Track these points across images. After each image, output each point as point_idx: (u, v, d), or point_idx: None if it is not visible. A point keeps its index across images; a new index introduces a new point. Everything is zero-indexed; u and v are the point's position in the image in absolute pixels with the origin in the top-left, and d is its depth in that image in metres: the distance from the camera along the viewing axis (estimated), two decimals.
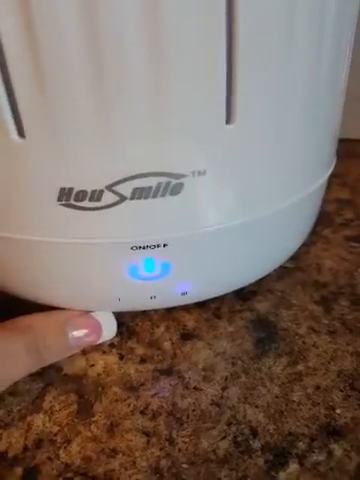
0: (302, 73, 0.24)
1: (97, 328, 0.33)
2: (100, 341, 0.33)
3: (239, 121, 0.24)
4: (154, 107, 0.22)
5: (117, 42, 0.20)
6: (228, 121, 0.23)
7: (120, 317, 0.35)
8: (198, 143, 0.24)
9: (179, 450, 0.27)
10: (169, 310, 0.36)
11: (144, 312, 0.36)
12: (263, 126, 0.25)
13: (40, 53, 0.20)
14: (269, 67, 0.23)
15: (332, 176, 0.34)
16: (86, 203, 0.24)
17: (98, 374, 0.32)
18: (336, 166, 0.35)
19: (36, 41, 0.20)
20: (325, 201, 0.37)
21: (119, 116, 0.22)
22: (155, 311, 0.37)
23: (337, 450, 0.26)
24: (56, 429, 0.28)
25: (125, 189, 0.24)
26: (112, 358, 0.33)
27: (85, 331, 0.32)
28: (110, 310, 0.33)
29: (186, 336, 0.34)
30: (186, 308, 0.36)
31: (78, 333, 0.32)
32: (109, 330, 0.34)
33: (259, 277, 0.36)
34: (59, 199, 0.24)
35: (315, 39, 0.24)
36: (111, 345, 0.34)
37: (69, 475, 0.26)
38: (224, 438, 0.27)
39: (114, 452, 0.27)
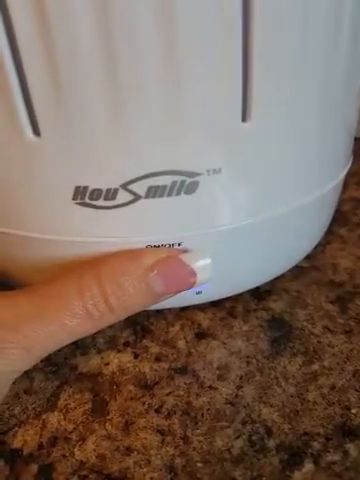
0: (318, 71, 0.24)
1: (190, 272, 0.27)
2: (196, 286, 0.28)
3: (255, 119, 0.23)
4: (169, 105, 0.22)
5: (132, 39, 0.20)
6: (244, 119, 0.23)
7: (134, 316, 0.35)
8: (214, 141, 0.24)
9: (194, 449, 0.27)
10: (183, 309, 0.36)
11: (158, 311, 0.36)
12: (279, 124, 0.25)
13: (55, 51, 0.20)
14: (285, 65, 0.23)
15: (348, 175, 0.34)
16: (101, 202, 0.25)
17: (113, 372, 0.32)
18: (352, 165, 0.35)
19: (51, 38, 0.20)
20: (341, 200, 0.37)
21: (134, 114, 0.22)
22: (169, 310, 0.36)
23: (353, 450, 0.26)
24: (71, 427, 0.28)
25: (140, 188, 0.24)
26: (127, 357, 0.33)
27: (175, 277, 0.27)
28: None
29: (201, 335, 0.34)
30: (200, 307, 0.36)
31: (166, 280, 0.26)
32: (204, 273, 0.28)
33: (274, 276, 0.36)
34: (74, 198, 0.24)
35: (331, 36, 0.23)
36: (126, 344, 0.34)
37: (84, 473, 0.26)
38: (239, 437, 0.27)
39: (129, 450, 0.27)
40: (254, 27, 0.21)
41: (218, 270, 0.30)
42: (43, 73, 0.21)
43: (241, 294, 0.37)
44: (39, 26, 0.19)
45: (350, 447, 0.26)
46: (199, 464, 0.26)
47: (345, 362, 0.31)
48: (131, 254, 0.27)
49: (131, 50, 0.20)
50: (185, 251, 0.28)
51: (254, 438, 0.27)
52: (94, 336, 0.34)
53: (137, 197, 0.24)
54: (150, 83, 0.21)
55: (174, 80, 0.21)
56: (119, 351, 0.33)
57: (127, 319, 0.34)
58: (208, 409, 0.29)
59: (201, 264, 0.28)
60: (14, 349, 0.24)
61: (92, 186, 0.24)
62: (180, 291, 0.28)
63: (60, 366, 0.32)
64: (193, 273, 0.27)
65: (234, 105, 0.23)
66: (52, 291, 0.26)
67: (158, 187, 0.24)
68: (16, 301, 0.25)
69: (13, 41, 0.20)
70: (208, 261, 0.28)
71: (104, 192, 0.24)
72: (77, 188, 0.24)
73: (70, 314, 0.25)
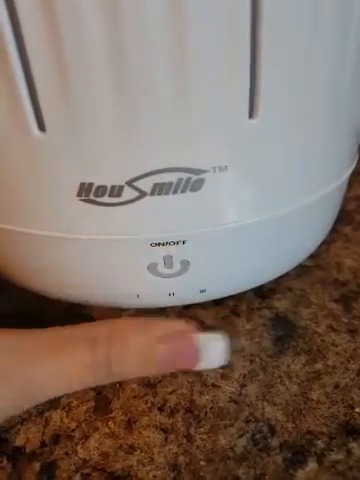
0: (326, 69, 0.24)
1: (195, 357, 0.25)
2: (196, 369, 0.26)
3: (262, 116, 0.23)
4: (176, 102, 0.22)
5: (140, 37, 0.20)
6: (251, 115, 0.23)
7: (137, 315, 0.35)
8: (220, 138, 0.24)
9: (197, 447, 0.27)
10: (186, 307, 0.36)
11: (161, 309, 0.36)
12: (286, 121, 0.25)
13: (61, 46, 0.20)
14: (293, 62, 0.23)
15: (353, 173, 0.34)
16: (106, 199, 0.24)
17: None
18: (358, 163, 0.35)
19: (57, 33, 0.19)
20: (346, 199, 0.37)
21: (141, 111, 0.22)
22: (172, 308, 0.36)
23: (356, 449, 0.26)
24: (74, 425, 0.28)
25: (145, 185, 0.24)
26: None
27: (178, 356, 0.25)
28: (129, 306, 0.33)
29: None
30: (203, 305, 0.36)
31: (168, 357, 0.25)
32: (213, 360, 0.26)
33: (278, 275, 0.36)
34: (79, 194, 0.24)
35: (339, 34, 0.23)
36: None
37: (87, 471, 0.26)
38: (242, 435, 0.27)
39: (132, 448, 0.27)
40: (262, 24, 0.21)
41: (222, 268, 0.30)
42: (49, 69, 0.20)
43: (244, 293, 0.37)
44: (46, 21, 0.19)
45: (354, 446, 0.26)
46: (202, 462, 0.26)
47: (349, 361, 0.31)
48: (144, 320, 0.27)
49: (139, 47, 0.20)
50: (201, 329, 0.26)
51: (257, 437, 0.27)
52: None
53: (142, 194, 0.24)
54: (157, 80, 0.21)
55: (181, 77, 0.21)
56: None
57: (131, 316, 0.34)
58: (211, 407, 0.29)
59: (213, 349, 0.26)
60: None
61: (97, 183, 0.24)
62: (179, 370, 0.27)
63: None
64: (197, 358, 0.25)
65: (241, 102, 0.23)
66: (64, 345, 0.25)
67: (164, 184, 0.24)
68: (31, 342, 0.25)
69: (19, 36, 0.20)
70: (222, 347, 0.26)
71: (109, 189, 0.24)
72: (82, 185, 0.24)
73: (77, 371, 0.24)
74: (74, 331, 0.26)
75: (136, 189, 0.24)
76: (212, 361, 0.26)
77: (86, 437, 0.28)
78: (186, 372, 0.31)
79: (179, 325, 0.26)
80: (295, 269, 0.38)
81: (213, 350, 0.26)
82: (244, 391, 0.30)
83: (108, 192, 0.24)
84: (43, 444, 0.27)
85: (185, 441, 0.27)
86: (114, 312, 0.35)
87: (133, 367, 0.25)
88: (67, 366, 0.24)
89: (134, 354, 0.25)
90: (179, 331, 0.26)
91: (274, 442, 0.27)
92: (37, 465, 0.26)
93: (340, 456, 0.26)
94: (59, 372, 0.24)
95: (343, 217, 0.44)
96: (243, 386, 0.30)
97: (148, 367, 0.25)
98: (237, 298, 0.37)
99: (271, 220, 0.28)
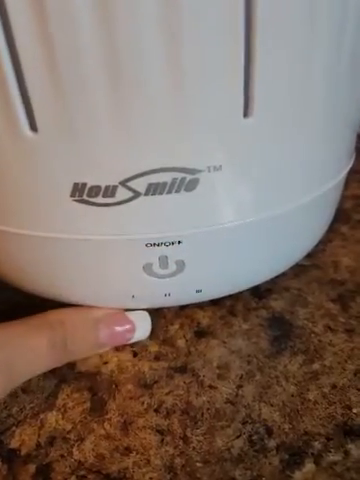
0: (321, 67, 0.24)
1: (130, 327, 0.32)
2: (132, 341, 0.33)
3: (257, 114, 0.23)
4: (170, 101, 0.22)
5: (133, 35, 0.20)
6: (246, 114, 0.23)
7: None
8: (215, 137, 0.23)
9: (193, 448, 0.26)
10: (183, 307, 0.36)
11: (157, 309, 0.36)
12: (281, 120, 0.24)
13: (53, 44, 0.20)
14: (288, 59, 0.22)
15: (350, 172, 0.34)
16: (100, 199, 0.24)
17: (112, 371, 0.32)
18: (354, 162, 0.35)
19: (49, 32, 0.19)
20: (343, 197, 0.36)
21: (134, 110, 0.22)
22: (168, 309, 0.36)
23: (354, 450, 0.26)
24: (69, 426, 0.28)
25: (140, 185, 0.24)
26: (126, 355, 0.33)
27: (117, 329, 0.32)
28: (124, 307, 0.33)
29: (200, 334, 0.34)
30: (200, 305, 0.36)
31: (110, 331, 0.32)
32: (143, 330, 0.33)
33: (275, 275, 0.36)
34: (72, 195, 0.24)
35: (335, 31, 0.23)
36: None
37: (82, 473, 0.26)
38: (239, 437, 0.27)
39: (128, 450, 0.27)
40: (257, 22, 0.20)
41: (218, 268, 0.30)
42: (41, 68, 0.20)
43: (241, 292, 0.36)
44: (37, 20, 0.19)
45: (351, 447, 0.26)
46: (199, 464, 0.26)
47: (346, 361, 0.31)
48: (83, 308, 0.32)
49: (132, 45, 0.20)
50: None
51: (254, 438, 0.27)
52: None
53: (137, 194, 0.24)
54: (151, 79, 0.21)
55: (175, 75, 0.21)
56: (118, 350, 0.33)
57: None
58: (208, 409, 0.29)
59: (141, 322, 0.33)
60: None
61: (91, 183, 0.24)
62: (120, 343, 0.33)
63: None
64: (133, 329, 0.32)
65: (236, 101, 0.22)
66: (30, 325, 0.30)
67: (158, 184, 0.24)
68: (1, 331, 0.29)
69: (10, 35, 0.20)
70: (148, 319, 0.34)
71: (103, 189, 0.24)
72: (75, 185, 0.24)
73: (45, 344, 0.29)
74: (35, 319, 0.31)
75: (130, 189, 0.24)
76: (143, 330, 0.33)
77: (82, 439, 0.27)
78: (180, 370, 0.31)
79: (112, 310, 0.33)
80: (292, 268, 0.38)
81: (143, 322, 0.33)
82: (241, 392, 0.29)
83: (102, 192, 0.24)
84: (38, 446, 0.27)
85: (181, 442, 0.27)
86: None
87: (84, 344, 0.31)
88: (36, 349, 0.29)
89: (83, 332, 0.31)
90: (114, 312, 0.32)
91: (271, 443, 0.27)
92: (32, 467, 0.26)
93: (338, 457, 0.26)
94: (30, 355, 0.29)
95: (340, 216, 0.43)
96: (240, 387, 0.30)
97: (96, 341, 0.31)
98: (234, 298, 0.37)
99: (267, 220, 0.28)
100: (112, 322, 0.32)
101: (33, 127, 0.22)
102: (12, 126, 0.22)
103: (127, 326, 0.32)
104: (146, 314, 0.33)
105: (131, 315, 0.33)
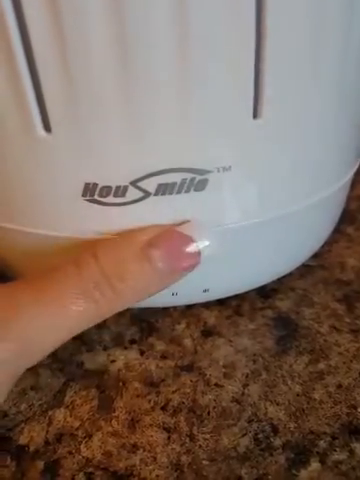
0: (331, 69, 0.24)
1: (191, 241, 0.25)
2: (204, 255, 0.26)
3: (266, 115, 0.23)
4: (181, 102, 0.22)
5: (144, 35, 0.20)
6: (255, 115, 0.23)
7: (140, 313, 0.35)
8: (224, 138, 0.24)
9: (199, 446, 0.27)
10: (189, 307, 0.36)
11: (164, 309, 0.36)
12: (290, 122, 0.25)
13: (67, 47, 0.20)
14: (297, 62, 0.23)
15: (356, 173, 0.34)
16: (110, 199, 0.25)
17: (119, 370, 0.32)
18: None
19: (63, 35, 0.20)
20: (348, 198, 0.37)
21: (145, 111, 0.22)
22: (175, 308, 0.36)
23: (359, 449, 0.26)
24: (77, 424, 0.28)
25: (150, 185, 0.24)
26: (133, 354, 0.33)
27: (178, 248, 0.25)
28: (132, 305, 0.33)
29: (207, 333, 0.34)
30: (206, 305, 0.36)
31: (169, 252, 0.25)
32: (203, 237, 0.26)
33: (281, 275, 0.36)
34: (83, 194, 0.24)
35: (344, 34, 0.23)
36: (132, 341, 0.34)
37: (90, 470, 0.26)
38: (245, 435, 0.27)
39: (135, 447, 0.27)
40: (267, 24, 0.21)
41: (225, 268, 0.30)
42: (55, 69, 0.20)
43: (247, 292, 0.37)
44: (51, 20, 0.19)
45: (356, 446, 0.26)
46: (205, 462, 0.26)
47: (351, 361, 0.31)
48: (125, 233, 0.26)
49: (144, 46, 0.20)
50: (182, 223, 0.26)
51: (260, 436, 0.27)
52: (100, 333, 0.34)
53: (147, 194, 0.24)
54: (161, 80, 0.21)
55: (185, 76, 0.21)
56: (125, 348, 0.33)
57: (133, 316, 0.34)
58: (214, 407, 0.29)
59: (201, 233, 0.26)
60: (7, 345, 0.22)
61: (102, 183, 0.24)
62: (187, 267, 0.26)
63: (66, 363, 0.32)
64: (193, 243, 0.25)
65: (245, 102, 0.23)
66: (50, 277, 0.24)
67: (168, 184, 0.24)
68: (11, 289, 0.24)
69: (25, 36, 0.20)
70: (207, 230, 0.26)
71: (114, 189, 0.24)
72: (87, 185, 0.24)
73: (71, 299, 0.23)
74: (60, 270, 0.24)
75: (140, 189, 0.24)
76: (207, 243, 0.26)
77: (89, 436, 0.28)
78: (186, 368, 0.31)
79: (158, 226, 0.26)
80: (298, 269, 0.38)
81: (202, 232, 0.26)
82: (247, 391, 0.30)
83: (113, 192, 0.24)
84: (47, 443, 0.27)
85: (188, 440, 0.27)
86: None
87: (139, 277, 0.24)
88: (59, 309, 0.23)
89: (133, 263, 0.24)
90: (163, 230, 0.25)
91: (277, 442, 0.27)
92: (41, 464, 0.26)
93: (343, 456, 0.26)
94: (53, 318, 0.23)
95: (346, 217, 0.44)
96: (246, 386, 0.30)
97: (153, 276, 0.25)
98: (240, 298, 0.37)
99: (275, 220, 0.28)
100: (167, 241, 0.25)
101: (47, 127, 0.22)
102: (26, 126, 0.22)
103: (186, 241, 0.25)
104: (200, 222, 0.26)
105: (184, 228, 0.26)
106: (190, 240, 0.25)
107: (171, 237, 0.25)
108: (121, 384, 0.31)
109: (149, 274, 0.24)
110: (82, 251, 0.25)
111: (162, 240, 0.25)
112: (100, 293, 0.23)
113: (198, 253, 0.26)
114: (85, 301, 0.23)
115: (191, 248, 0.25)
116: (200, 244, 0.25)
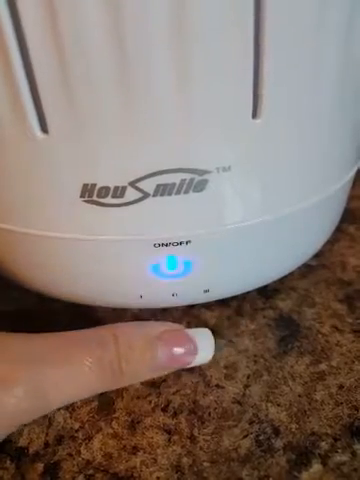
0: (331, 68, 0.24)
1: (192, 349, 0.28)
2: (193, 364, 0.29)
3: (266, 115, 0.23)
4: (179, 102, 0.22)
5: (142, 35, 0.20)
6: (254, 115, 0.23)
7: (141, 314, 0.35)
8: (223, 138, 0.24)
9: (200, 448, 0.27)
10: (190, 307, 0.36)
11: (165, 309, 0.36)
12: (290, 121, 0.25)
13: (63, 47, 0.20)
14: (297, 61, 0.23)
15: (358, 172, 0.34)
16: (109, 199, 0.24)
17: None
18: None
19: (59, 34, 0.19)
20: (350, 197, 0.36)
21: (143, 111, 0.22)
22: (176, 308, 0.36)
23: None
24: (77, 425, 0.28)
25: (148, 185, 0.24)
26: None
27: (178, 350, 0.28)
28: (131, 307, 0.33)
29: None
30: (207, 305, 0.36)
31: (169, 351, 0.27)
32: (205, 353, 0.29)
33: (282, 275, 0.36)
34: (82, 195, 0.24)
35: (344, 32, 0.23)
36: None
37: (90, 472, 0.26)
38: (246, 437, 0.27)
39: (135, 449, 0.27)
40: (266, 23, 0.20)
41: (226, 268, 0.30)
42: (52, 70, 0.20)
43: (248, 292, 0.36)
44: (48, 21, 0.19)
45: (358, 448, 0.26)
46: (206, 463, 0.26)
47: (353, 362, 0.31)
48: (141, 323, 0.29)
49: (141, 48, 0.20)
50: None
51: (261, 438, 0.27)
52: None
53: (145, 195, 0.24)
54: (160, 80, 0.21)
55: (184, 77, 0.21)
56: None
57: (134, 317, 0.34)
58: (215, 408, 0.29)
59: (204, 342, 0.29)
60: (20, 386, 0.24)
61: (100, 184, 0.24)
62: (180, 366, 0.29)
63: None
64: (195, 351, 0.28)
65: (245, 102, 0.23)
66: (73, 339, 0.27)
67: (167, 185, 0.24)
68: (36, 343, 0.26)
69: (21, 36, 0.20)
70: (212, 340, 0.29)
71: (112, 190, 0.24)
72: (85, 186, 0.24)
73: (91, 362, 0.25)
74: (82, 333, 0.27)
75: (139, 190, 0.24)
76: (206, 353, 0.29)
77: (89, 438, 0.27)
78: (187, 369, 0.31)
79: (171, 325, 0.29)
80: (299, 268, 0.38)
81: (205, 340, 0.29)
82: (248, 392, 0.30)
83: (111, 193, 0.24)
84: (46, 445, 0.27)
85: (188, 442, 0.27)
86: (117, 312, 0.35)
87: (140, 365, 0.27)
88: (77, 368, 0.25)
89: (140, 351, 0.27)
90: (174, 329, 0.29)
91: (278, 443, 0.27)
92: (40, 466, 0.26)
93: (345, 458, 0.26)
94: (69, 374, 0.25)
95: (347, 216, 0.43)
96: (247, 387, 0.30)
97: (153, 363, 0.27)
98: (241, 298, 0.37)
99: (275, 220, 0.28)
100: (172, 341, 0.28)
101: (44, 129, 0.22)
102: (23, 127, 0.22)
103: (189, 346, 0.28)
104: (209, 333, 0.30)
105: (193, 333, 0.29)
106: (193, 348, 0.28)
107: (179, 336, 0.28)
108: None
109: (150, 364, 0.27)
110: (105, 330, 0.27)
111: (170, 337, 0.28)
112: (111, 369, 0.26)
113: (193, 358, 0.28)
114: (99, 371, 0.26)
115: (189, 358, 0.28)
116: (199, 357, 0.29)
